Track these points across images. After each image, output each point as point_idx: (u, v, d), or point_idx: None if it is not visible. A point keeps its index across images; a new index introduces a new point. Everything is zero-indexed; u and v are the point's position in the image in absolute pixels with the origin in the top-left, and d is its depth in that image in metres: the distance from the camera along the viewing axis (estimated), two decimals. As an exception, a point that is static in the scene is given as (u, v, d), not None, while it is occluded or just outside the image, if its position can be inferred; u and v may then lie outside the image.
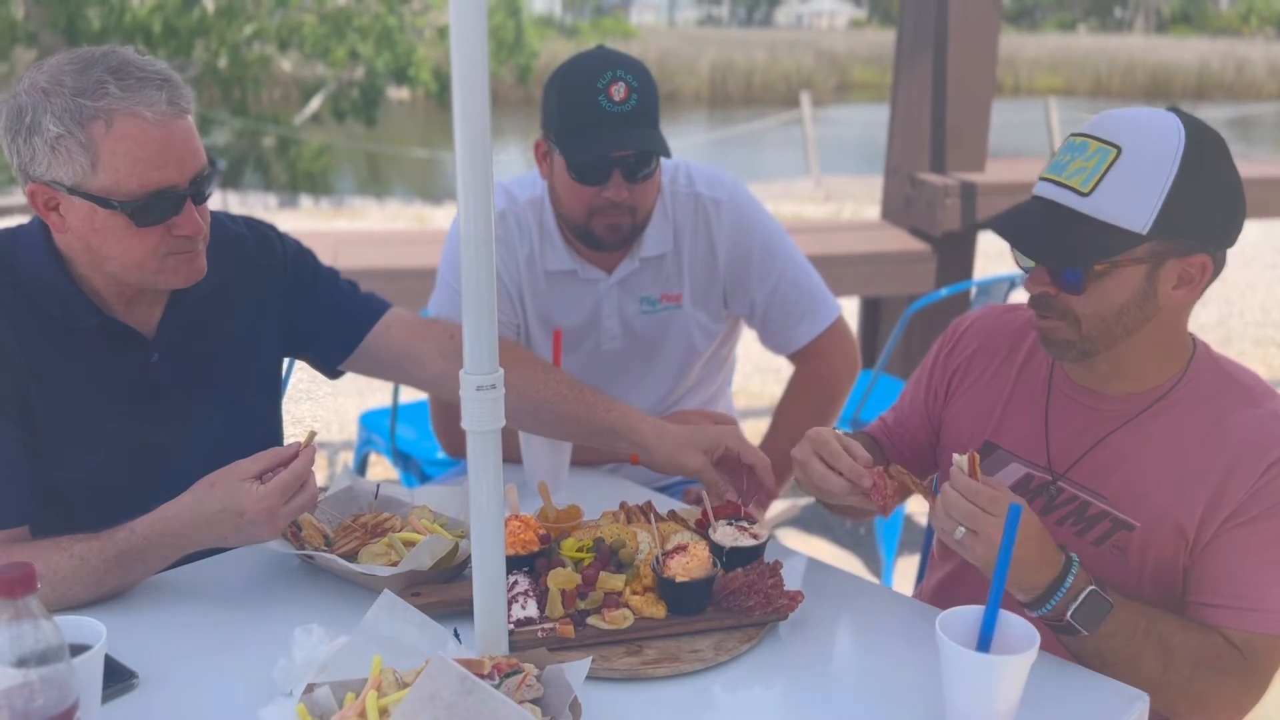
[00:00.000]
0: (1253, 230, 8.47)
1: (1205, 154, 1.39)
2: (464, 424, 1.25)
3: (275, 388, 1.90)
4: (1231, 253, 1.46)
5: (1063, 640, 1.41)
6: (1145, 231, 1.38)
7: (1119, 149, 1.38)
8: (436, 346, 1.85)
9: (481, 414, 1.24)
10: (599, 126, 1.93)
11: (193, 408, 1.73)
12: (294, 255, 1.86)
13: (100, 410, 1.65)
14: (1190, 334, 1.55)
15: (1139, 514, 1.50)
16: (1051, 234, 1.42)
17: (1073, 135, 1.45)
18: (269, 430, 1.88)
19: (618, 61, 1.96)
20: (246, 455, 1.51)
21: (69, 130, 1.47)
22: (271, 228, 1.87)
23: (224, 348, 1.76)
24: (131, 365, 1.67)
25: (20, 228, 1.65)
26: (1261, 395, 1.49)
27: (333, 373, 1.93)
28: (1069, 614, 1.37)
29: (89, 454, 1.64)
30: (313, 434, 1.56)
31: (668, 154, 1.98)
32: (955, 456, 1.38)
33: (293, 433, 1.82)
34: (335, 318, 1.86)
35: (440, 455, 3.21)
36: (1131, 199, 1.38)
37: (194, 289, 1.66)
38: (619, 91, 1.92)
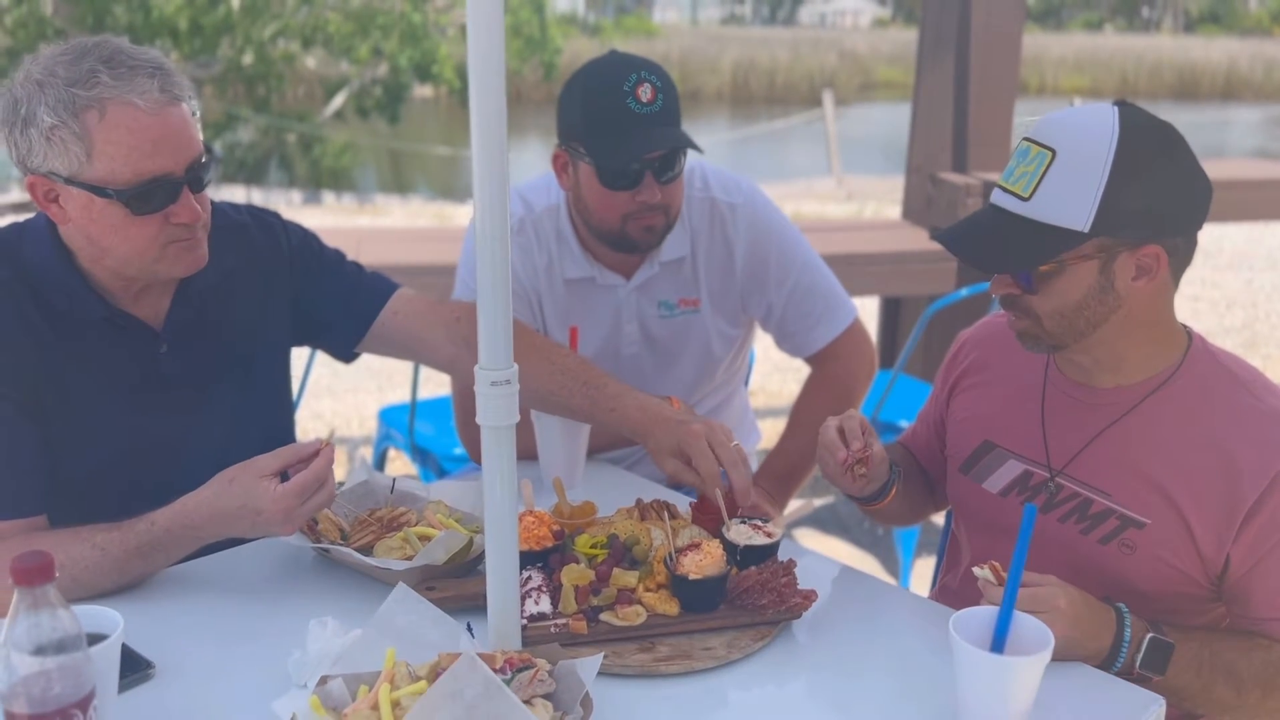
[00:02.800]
0: (1280, 232, 8.40)
1: (1142, 147, 1.40)
2: (479, 419, 1.26)
3: (284, 376, 1.91)
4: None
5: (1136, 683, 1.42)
6: (1087, 229, 1.40)
7: (1054, 152, 1.41)
8: (445, 330, 1.85)
9: (496, 409, 1.25)
10: (630, 129, 1.92)
11: (203, 398, 1.74)
12: (298, 243, 1.86)
13: (112, 402, 1.66)
14: (1185, 327, 1.55)
15: (1147, 511, 1.50)
16: (996, 240, 1.46)
17: (1022, 139, 1.48)
18: (280, 418, 1.90)
19: (639, 64, 1.96)
20: (257, 444, 1.52)
21: (63, 120, 1.48)
22: (275, 215, 1.88)
23: (232, 337, 1.77)
24: (141, 357, 1.68)
25: (27, 222, 1.66)
26: (1260, 389, 1.50)
27: (348, 356, 1.94)
28: (1137, 665, 1.40)
29: (102, 446, 1.66)
30: (332, 432, 1.57)
31: (700, 149, 1.98)
32: (975, 571, 1.39)
33: (310, 427, 1.83)
34: (343, 303, 1.86)
35: (458, 450, 3.23)
36: (1069, 199, 1.40)
37: (200, 279, 1.68)
38: (646, 92, 1.92)
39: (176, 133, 1.53)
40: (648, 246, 2.08)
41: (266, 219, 1.86)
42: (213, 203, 1.73)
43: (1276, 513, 1.42)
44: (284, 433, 1.91)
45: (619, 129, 1.93)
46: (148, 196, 1.53)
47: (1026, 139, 1.46)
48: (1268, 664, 1.44)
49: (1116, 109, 1.43)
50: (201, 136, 1.61)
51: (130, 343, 1.67)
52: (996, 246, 1.47)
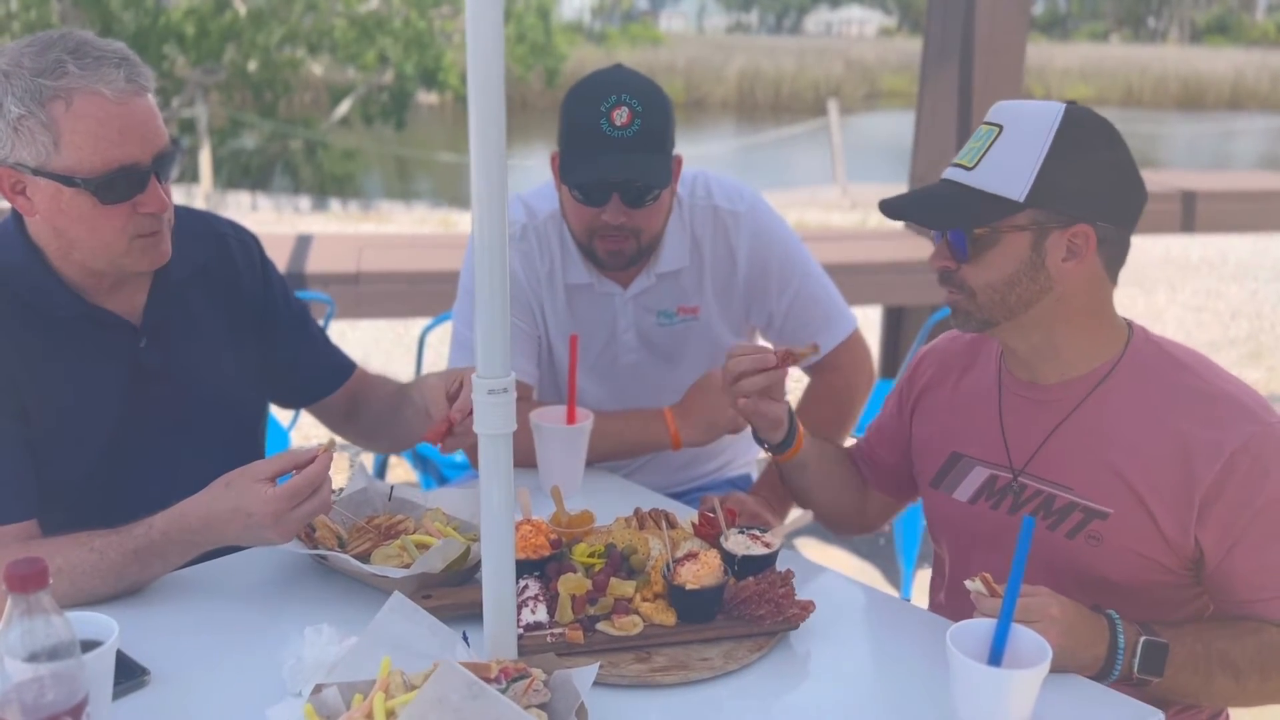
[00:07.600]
0: (1285, 244, 8.39)
1: (1083, 132, 1.49)
2: (476, 428, 1.26)
3: (260, 368, 1.90)
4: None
5: (1138, 690, 1.41)
6: (1023, 199, 1.47)
7: (1001, 128, 1.51)
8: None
9: (493, 418, 1.25)
10: (597, 149, 1.92)
11: (185, 391, 1.74)
12: (274, 272, 1.91)
13: (95, 399, 1.66)
14: (1125, 319, 1.59)
15: (1108, 500, 1.52)
16: (937, 204, 1.55)
17: (980, 123, 1.57)
18: (260, 408, 1.92)
19: (626, 84, 1.93)
20: (240, 440, 1.52)
21: (30, 110, 1.49)
22: (257, 240, 1.91)
23: (209, 330, 1.78)
24: (121, 353, 1.68)
25: None
26: (1205, 371, 1.53)
27: (285, 406, 2.05)
28: (1136, 670, 1.40)
29: (88, 446, 1.66)
30: (333, 440, 1.57)
31: (664, 183, 1.95)
32: (967, 584, 1.39)
33: (311, 433, 1.84)
34: (299, 364, 1.94)
35: (459, 457, 3.22)
36: (1009, 170, 1.48)
37: (174, 272, 1.69)
38: (621, 116, 1.90)
39: (143, 122, 1.54)
40: (614, 268, 2.08)
41: (247, 238, 1.89)
42: (197, 210, 1.76)
43: (1240, 495, 1.44)
44: (263, 424, 1.94)
45: (586, 148, 1.93)
46: (115, 185, 1.53)
47: (983, 122, 1.55)
48: (1261, 646, 1.45)
49: (1065, 104, 1.52)
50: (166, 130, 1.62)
51: (110, 338, 1.67)
52: (936, 208, 1.55)
